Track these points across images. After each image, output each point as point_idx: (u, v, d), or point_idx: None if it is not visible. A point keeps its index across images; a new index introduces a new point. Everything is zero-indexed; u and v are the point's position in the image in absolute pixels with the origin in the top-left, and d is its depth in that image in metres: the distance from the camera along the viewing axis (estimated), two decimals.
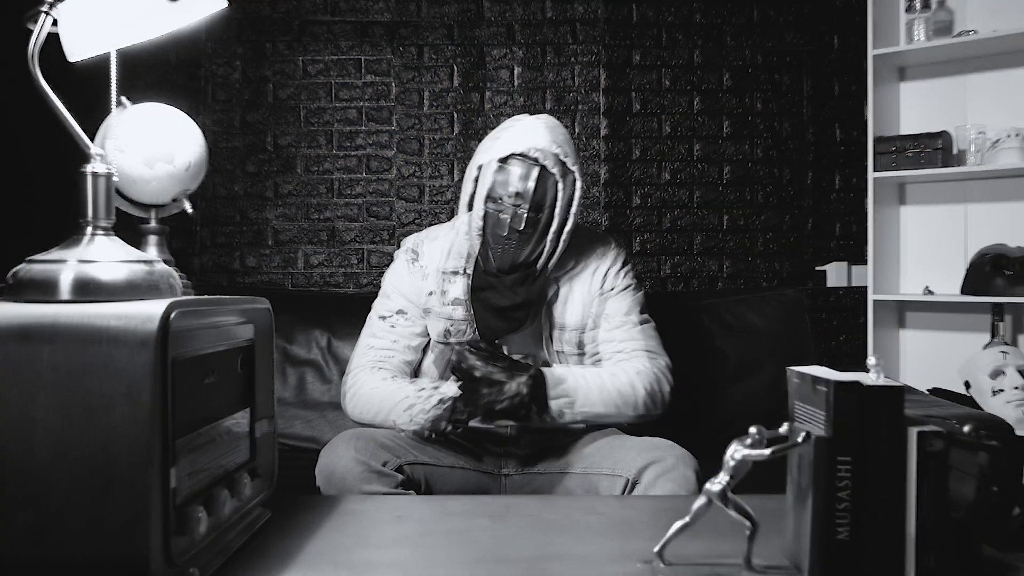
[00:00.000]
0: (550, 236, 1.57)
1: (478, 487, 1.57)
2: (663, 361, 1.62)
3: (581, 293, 1.64)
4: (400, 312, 1.66)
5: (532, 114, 1.64)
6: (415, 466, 1.49)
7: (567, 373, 1.54)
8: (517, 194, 1.52)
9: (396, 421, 1.53)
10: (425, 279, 1.65)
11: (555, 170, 1.52)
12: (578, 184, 1.56)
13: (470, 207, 1.60)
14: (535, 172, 1.52)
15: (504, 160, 1.53)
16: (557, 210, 1.54)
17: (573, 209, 1.56)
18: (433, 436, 1.51)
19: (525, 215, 1.52)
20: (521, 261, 1.58)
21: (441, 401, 1.50)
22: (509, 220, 1.53)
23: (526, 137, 1.54)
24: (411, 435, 1.53)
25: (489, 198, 1.55)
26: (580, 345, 1.64)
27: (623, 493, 1.44)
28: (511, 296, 1.60)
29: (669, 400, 1.61)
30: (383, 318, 1.67)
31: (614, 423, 1.60)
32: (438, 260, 1.66)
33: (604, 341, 1.63)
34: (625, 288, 1.66)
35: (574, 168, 1.56)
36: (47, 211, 2.13)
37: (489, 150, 1.56)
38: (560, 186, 1.53)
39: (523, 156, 1.52)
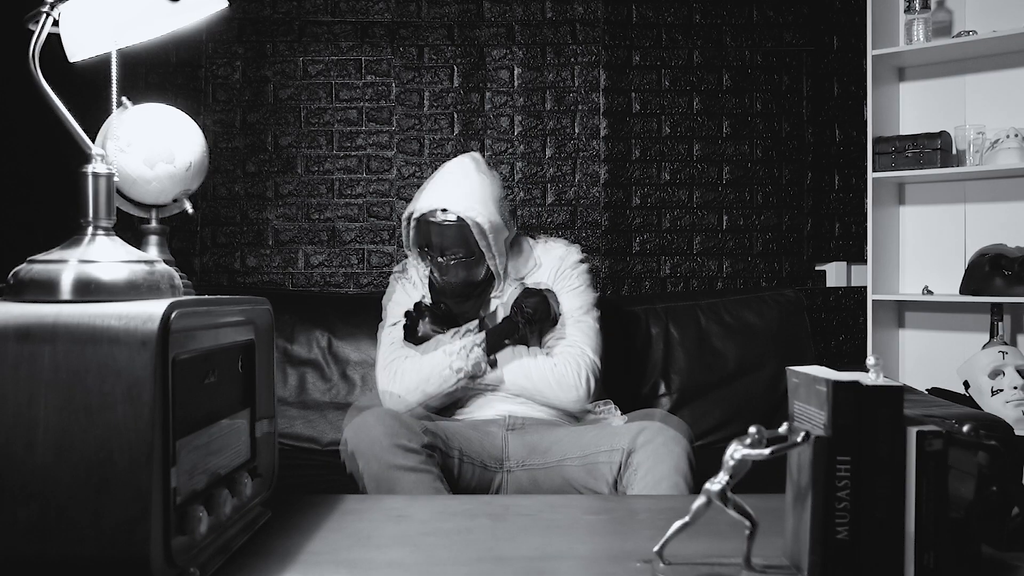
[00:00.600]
0: (487, 264, 1.77)
1: (481, 479, 1.65)
2: (588, 356, 1.75)
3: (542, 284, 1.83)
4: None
5: (468, 151, 1.89)
6: (437, 450, 1.57)
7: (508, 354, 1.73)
8: (434, 247, 1.74)
9: (452, 365, 1.70)
10: (415, 288, 1.88)
11: (468, 220, 1.70)
12: (486, 228, 1.71)
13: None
14: (443, 229, 1.72)
15: (418, 220, 1.76)
16: (481, 245, 1.73)
17: (494, 248, 1.75)
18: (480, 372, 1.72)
19: (448, 261, 1.74)
20: (466, 287, 1.79)
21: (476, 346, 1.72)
22: (439, 269, 1.76)
23: (435, 196, 1.73)
24: (464, 381, 1.71)
25: (417, 247, 1.80)
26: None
27: (620, 465, 1.52)
28: (461, 307, 1.82)
29: (584, 391, 1.73)
30: (395, 324, 1.83)
31: (539, 401, 1.75)
32: (420, 271, 1.88)
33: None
34: (575, 288, 1.83)
35: (479, 220, 1.71)
36: (48, 211, 2.13)
37: (412, 204, 1.77)
38: (467, 232, 1.72)
39: (430, 217, 1.72)
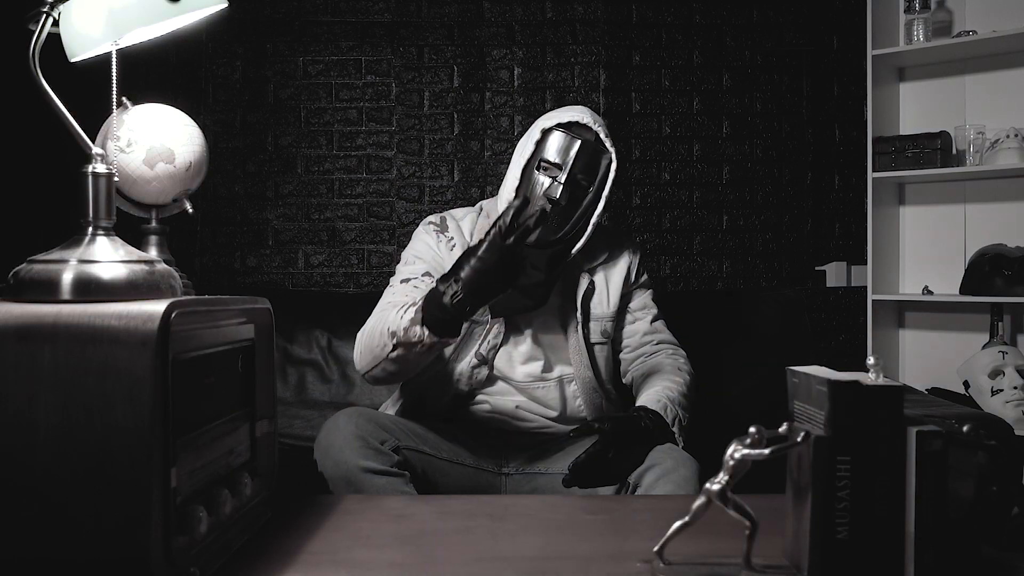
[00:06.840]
0: (582, 216, 1.58)
1: (477, 484, 1.57)
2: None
3: (615, 285, 1.69)
4: (427, 274, 1.59)
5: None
6: (413, 452, 1.48)
7: (662, 400, 1.52)
8: (556, 165, 1.55)
9: (389, 327, 1.41)
10: (452, 250, 1.62)
11: (611, 152, 1.58)
12: (613, 165, 1.59)
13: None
14: (576, 145, 1.55)
15: (547, 132, 1.57)
16: (592, 190, 1.57)
17: (605, 192, 1.60)
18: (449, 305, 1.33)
19: (561, 187, 1.54)
20: (553, 238, 1.57)
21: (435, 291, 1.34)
22: (546, 189, 1.54)
23: (570, 113, 1.59)
24: (407, 352, 1.40)
25: (527, 167, 1.57)
26: (605, 333, 1.67)
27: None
28: (533, 274, 1.54)
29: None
30: (406, 280, 1.59)
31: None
32: (463, 236, 1.65)
33: (632, 334, 1.70)
34: (644, 282, 1.75)
35: (611, 149, 1.58)
36: (48, 211, 2.13)
37: (536, 126, 1.60)
38: (600, 163, 1.57)
39: (566, 128, 1.56)
